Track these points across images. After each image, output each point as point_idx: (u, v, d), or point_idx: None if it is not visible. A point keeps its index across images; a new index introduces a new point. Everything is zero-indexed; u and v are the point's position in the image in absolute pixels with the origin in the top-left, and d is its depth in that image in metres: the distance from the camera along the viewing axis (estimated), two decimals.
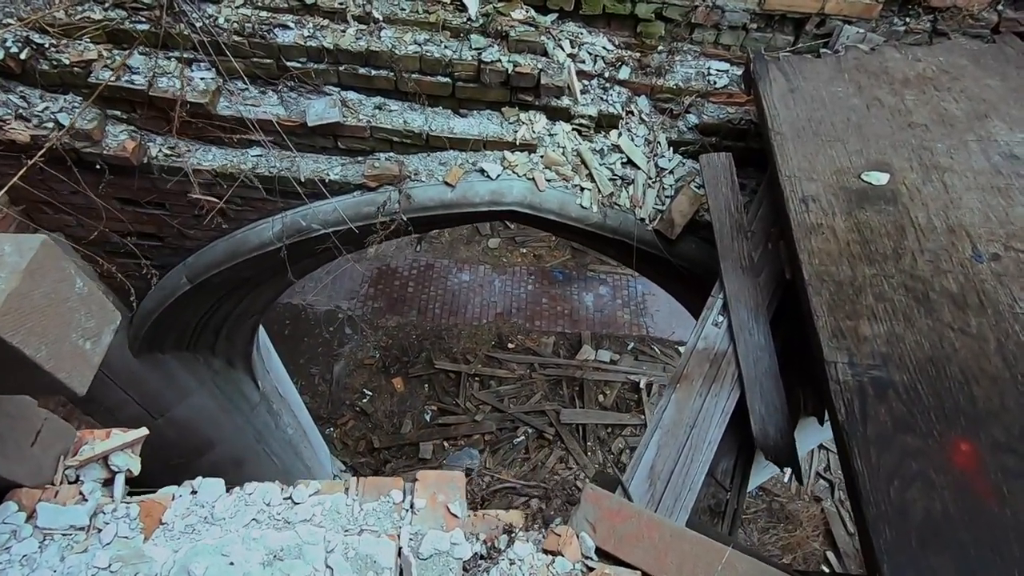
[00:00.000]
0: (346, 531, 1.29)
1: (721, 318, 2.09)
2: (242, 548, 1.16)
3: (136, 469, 1.38)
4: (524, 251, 11.25)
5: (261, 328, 5.95)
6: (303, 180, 2.96)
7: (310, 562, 1.16)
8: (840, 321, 1.69)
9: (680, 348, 8.64)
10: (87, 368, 0.89)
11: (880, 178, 2.05)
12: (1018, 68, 2.46)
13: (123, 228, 3.34)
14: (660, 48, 2.89)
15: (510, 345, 9.78)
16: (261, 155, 2.96)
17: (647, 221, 2.92)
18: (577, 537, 1.59)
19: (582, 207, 2.88)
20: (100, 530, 1.19)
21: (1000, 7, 2.72)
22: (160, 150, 2.92)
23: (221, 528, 1.26)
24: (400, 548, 1.31)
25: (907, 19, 2.76)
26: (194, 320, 4.13)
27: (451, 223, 3.59)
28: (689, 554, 1.50)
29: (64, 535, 1.17)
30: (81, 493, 1.26)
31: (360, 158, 2.98)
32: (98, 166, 2.80)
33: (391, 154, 2.94)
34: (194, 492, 1.35)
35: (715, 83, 2.91)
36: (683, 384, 1.97)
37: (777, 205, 2.08)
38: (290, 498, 1.36)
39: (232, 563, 1.14)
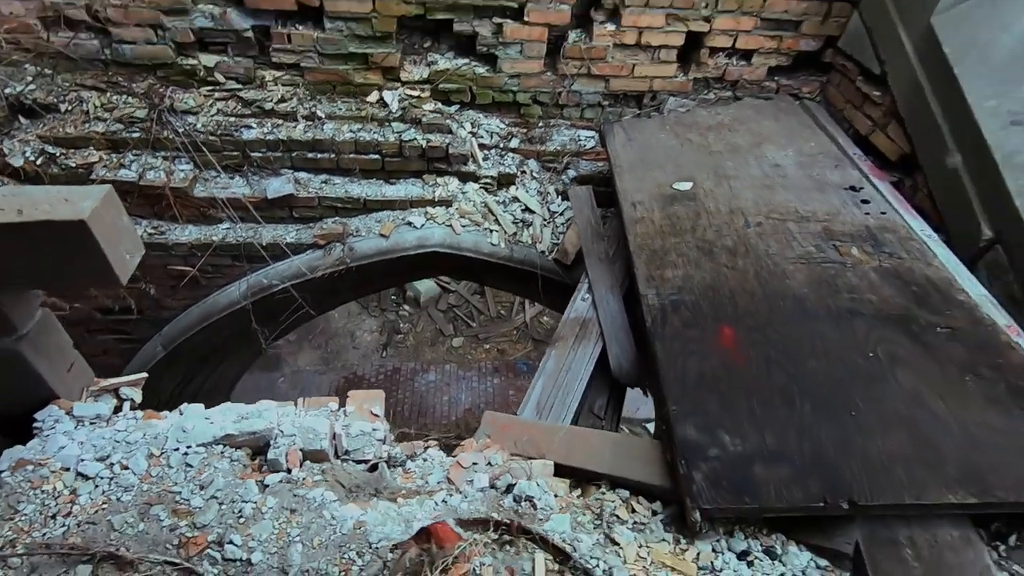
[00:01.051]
0: (294, 422, 1.80)
1: (588, 295, 2.75)
2: (220, 415, 1.67)
3: (138, 399, 1.88)
4: (488, 347, 11.76)
5: None
6: (265, 245, 3.63)
7: (267, 420, 1.67)
8: (652, 271, 2.38)
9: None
10: (127, 269, 1.48)
11: (686, 186, 2.86)
12: (787, 115, 3.44)
13: (107, 305, 3.88)
14: (540, 124, 3.82)
15: None
16: (230, 228, 3.64)
17: (547, 253, 3.65)
18: (476, 442, 2.11)
19: (492, 244, 3.61)
20: (116, 423, 1.69)
21: (776, 77, 3.77)
22: (145, 230, 3.57)
23: None
24: (335, 432, 1.83)
25: (714, 90, 3.78)
26: (167, 392, 4.52)
27: (388, 276, 4.24)
28: (557, 439, 2.04)
29: (92, 422, 1.65)
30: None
31: (312, 224, 3.69)
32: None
33: (336, 218, 3.67)
34: (181, 413, 1.86)
35: (585, 146, 3.82)
36: (560, 343, 2.58)
37: (618, 212, 2.85)
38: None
39: (212, 423, 1.64)
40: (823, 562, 1.58)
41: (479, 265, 3.73)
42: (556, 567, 1.40)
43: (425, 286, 10.76)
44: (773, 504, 1.56)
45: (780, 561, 1.58)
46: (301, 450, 1.68)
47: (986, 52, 2.72)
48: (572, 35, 3.50)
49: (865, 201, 2.67)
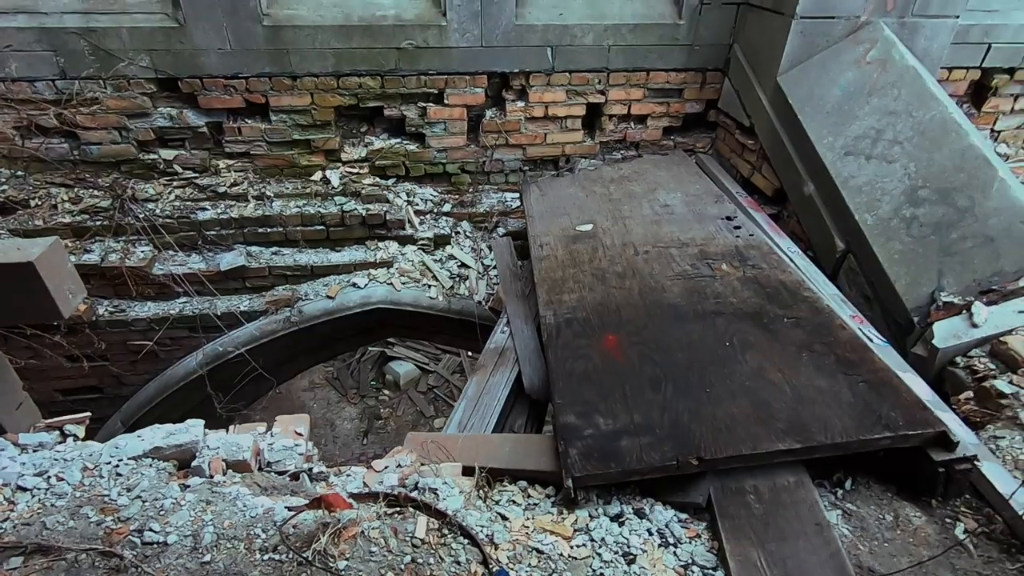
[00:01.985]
0: (220, 438, 2.02)
1: (506, 328, 3.05)
2: (150, 433, 1.88)
3: (81, 435, 2.08)
4: None
5: None
6: (220, 315, 3.90)
7: (193, 434, 1.88)
8: (552, 296, 2.71)
9: None
10: (69, 306, 1.76)
11: (587, 227, 3.26)
12: (678, 166, 3.95)
13: (68, 385, 4.06)
14: (469, 190, 4.28)
15: None
16: (186, 302, 3.93)
17: (483, 303, 3.98)
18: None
19: (431, 298, 3.93)
20: (57, 448, 1.89)
21: (672, 136, 4.33)
22: (106, 309, 3.84)
23: None
24: (259, 448, 2.04)
25: (619, 151, 4.31)
26: None
27: (340, 340, 4.49)
28: (459, 443, 2.26)
29: (35, 450, 1.85)
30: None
31: (264, 292, 4.00)
32: (55, 323, 3.66)
33: (287, 285, 3.98)
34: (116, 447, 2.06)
35: (511, 206, 4.26)
36: (480, 371, 2.84)
37: (529, 253, 3.22)
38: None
39: (142, 439, 1.85)
40: (683, 516, 1.80)
41: (421, 319, 4.03)
42: (436, 526, 1.61)
43: (404, 368, 10.88)
44: (634, 467, 1.80)
45: (648, 519, 1.79)
46: (224, 460, 1.89)
47: (821, 102, 3.27)
48: (488, 112, 4.04)
49: (737, 227, 3.08)
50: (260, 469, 2.00)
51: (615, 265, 2.88)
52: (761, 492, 1.78)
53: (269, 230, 3.92)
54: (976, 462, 1.77)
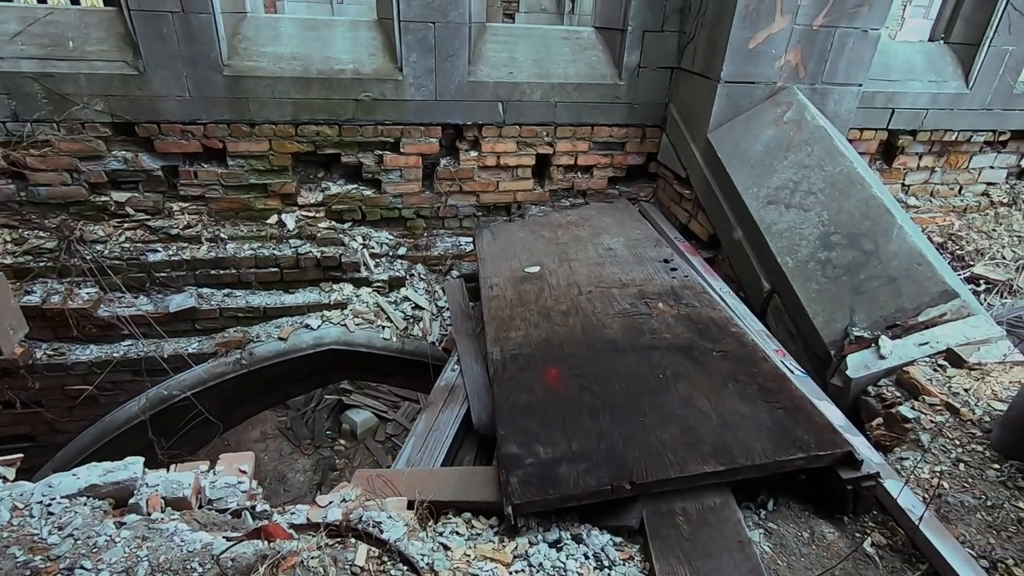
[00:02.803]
0: (160, 476, 2.00)
1: (456, 366, 3.13)
2: (86, 471, 1.85)
3: (11, 477, 2.03)
4: None
5: None
6: (167, 357, 3.83)
7: (131, 471, 1.86)
8: (499, 334, 2.82)
9: None
10: (11, 342, 1.76)
11: (535, 268, 3.42)
12: (622, 212, 4.20)
13: None
14: (424, 234, 4.41)
15: None
16: (132, 344, 3.85)
17: (436, 344, 4.05)
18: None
19: (384, 339, 3.98)
20: None
21: (617, 186, 4.62)
22: (44, 352, 3.72)
23: None
24: (200, 485, 2.03)
25: (567, 198, 4.56)
26: None
27: (291, 382, 4.45)
28: (405, 477, 2.30)
29: None
30: None
31: (214, 335, 3.96)
32: None
33: (238, 327, 3.96)
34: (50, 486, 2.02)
35: (465, 250, 4.41)
36: (430, 408, 2.89)
37: (480, 293, 3.34)
38: None
39: (78, 477, 1.81)
40: (618, 539, 1.88)
41: (374, 360, 4.05)
42: (376, 554, 1.64)
43: (362, 417, 10.62)
44: (571, 492, 1.88)
45: (584, 544, 1.87)
46: (163, 497, 1.87)
47: (745, 156, 3.59)
48: (443, 161, 4.23)
49: (673, 269, 3.30)
50: (201, 507, 1.98)
51: (560, 304, 3.03)
52: (689, 513, 1.89)
53: (222, 272, 3.93)
54: (879, 479, 1.93)
